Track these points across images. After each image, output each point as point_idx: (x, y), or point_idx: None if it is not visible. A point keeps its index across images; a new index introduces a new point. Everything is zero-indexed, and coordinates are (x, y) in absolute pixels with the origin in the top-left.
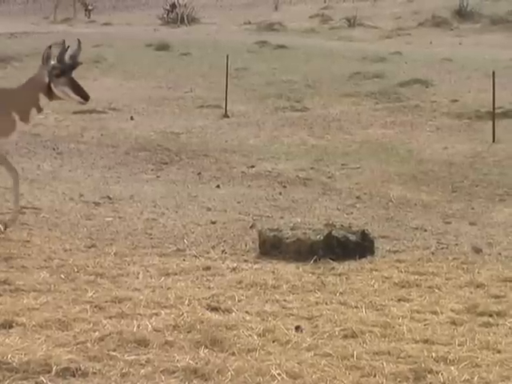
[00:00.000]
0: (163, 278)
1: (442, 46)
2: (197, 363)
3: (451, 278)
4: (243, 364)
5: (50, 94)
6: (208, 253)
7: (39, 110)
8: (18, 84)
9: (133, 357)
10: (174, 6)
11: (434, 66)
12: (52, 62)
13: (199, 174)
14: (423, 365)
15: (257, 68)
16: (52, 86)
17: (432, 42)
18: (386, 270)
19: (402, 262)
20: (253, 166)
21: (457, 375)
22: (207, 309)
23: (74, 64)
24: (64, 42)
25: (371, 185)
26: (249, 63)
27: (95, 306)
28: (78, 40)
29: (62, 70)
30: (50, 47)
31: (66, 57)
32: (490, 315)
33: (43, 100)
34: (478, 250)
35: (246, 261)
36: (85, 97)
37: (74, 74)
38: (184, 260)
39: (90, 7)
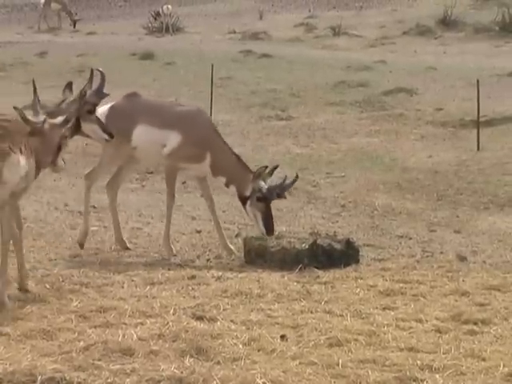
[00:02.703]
0: (148, 287)
1: (426, 55)
2: (182, 372)
3: (436, 286)
4: (228, 373)
5: (242, 201)
6: (193, 262)
7: (214, 177)
8: None
9: (118, 366)
10: (158, 14)
11: (419, 74)
12: (261, 184)
13: (184, 183)
14: (408, 373)
15: (241, 77)
16: (248, 203)
17: (416, 50)
18: (371, 278)
19: (387, 271)
20: None
21: (442, 383)
22: (192, 318)
23: (280, 195)
24: (277, 166)
25: (356, 193)
26: (233, 72)
27: (80, 316)
28: (295, 178)
29: (264, 197)
30: (265, 167)
31: (278, 189)
32: (475, 323)
33: (231, 188)
34: (462, 258)
35: (231, 270)
36: (269, 231)
37: None
38: (169, 269)
39: (75, 17)
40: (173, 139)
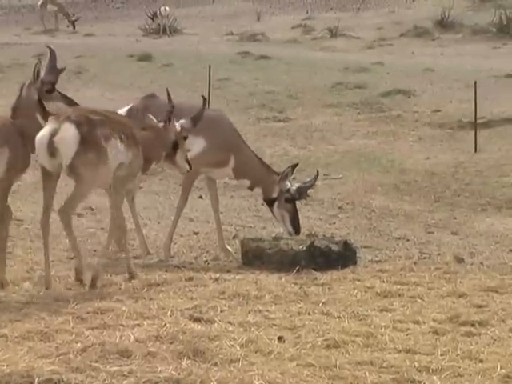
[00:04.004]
0: (146, 288)
1: (423, 57)
2: (179, 374)
3: (433, 288)
4: (226, 375)
5: (268, 203)
6: (190, 263)
7: (237, 180)
8: None
9: (115, 368)
10: (155, 14)
11: (416, 76)
12: (289, 185)
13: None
14: (406, 374)
15: (239, 78)
16: (276, 204)
17: (414, 52)
18: (368, 279)
19: (384, 272)
20: None
21: None
22: (190, 319)
23: (303, 196)
24: (297, 164)
25: (353, 195)
26: (231, 74)
27: (77, 317)
28: (316, 175)
29: (293, 198)
30: (291, 167)
31: (305, 188)
32: (472, 325)
33: (255, 190)
34: (460, 260)
35: (228, 271)
36: (297, 230)
37: None
38: (166, 271)
39: (73, 18)
40: (197, 145)
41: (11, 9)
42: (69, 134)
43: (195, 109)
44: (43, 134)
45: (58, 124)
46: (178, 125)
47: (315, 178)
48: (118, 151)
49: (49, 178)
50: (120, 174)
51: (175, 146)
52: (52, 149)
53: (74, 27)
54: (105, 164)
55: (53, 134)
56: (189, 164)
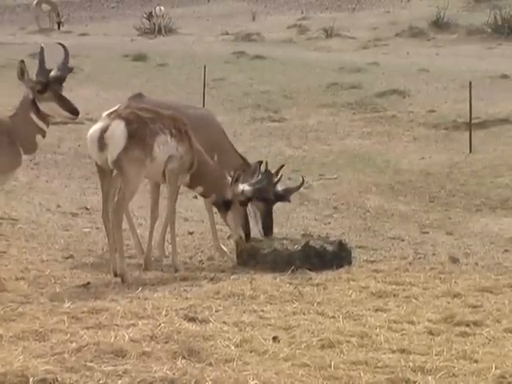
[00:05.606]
0: (140, 288)
1: (418, 57)
2: (174, 374)
3: (428, 288)
4: (221, 374)
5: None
6: (185, 263)
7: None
8: None
9: (110, 368)
10: (151, 15)
11: (411, 76)
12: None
13: None
14: (400, 374)
15: (234, 78)
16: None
17: (409, 52)
18: (363, 279)
19: (379, 272)
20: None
21: None
22: (184, 319)
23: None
24: (282, 166)
25: (348, 195)
26: (226, 74)
27: (72, 317)
28: (301, 182)
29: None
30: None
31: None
32: (467, 325)
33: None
34: (454, 260)
35: (223, 271)
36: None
37: None
38: (161, 270)
39: (61, 19)
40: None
41: (6, 8)
42: (118, 131)
43: (184, 108)
44: (95, 129)
45: (109, 120)
46: (240, 187)
47: (299, 186)
48: (166, 146)
49: (103, 174)
50: (172, 167)
51: (228, 204)
52: (101, 144)
53: (59, 28)
54: (151, 160)
55: (104, 131)
56: (245, 233)
